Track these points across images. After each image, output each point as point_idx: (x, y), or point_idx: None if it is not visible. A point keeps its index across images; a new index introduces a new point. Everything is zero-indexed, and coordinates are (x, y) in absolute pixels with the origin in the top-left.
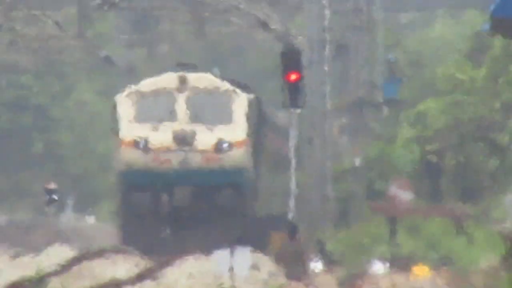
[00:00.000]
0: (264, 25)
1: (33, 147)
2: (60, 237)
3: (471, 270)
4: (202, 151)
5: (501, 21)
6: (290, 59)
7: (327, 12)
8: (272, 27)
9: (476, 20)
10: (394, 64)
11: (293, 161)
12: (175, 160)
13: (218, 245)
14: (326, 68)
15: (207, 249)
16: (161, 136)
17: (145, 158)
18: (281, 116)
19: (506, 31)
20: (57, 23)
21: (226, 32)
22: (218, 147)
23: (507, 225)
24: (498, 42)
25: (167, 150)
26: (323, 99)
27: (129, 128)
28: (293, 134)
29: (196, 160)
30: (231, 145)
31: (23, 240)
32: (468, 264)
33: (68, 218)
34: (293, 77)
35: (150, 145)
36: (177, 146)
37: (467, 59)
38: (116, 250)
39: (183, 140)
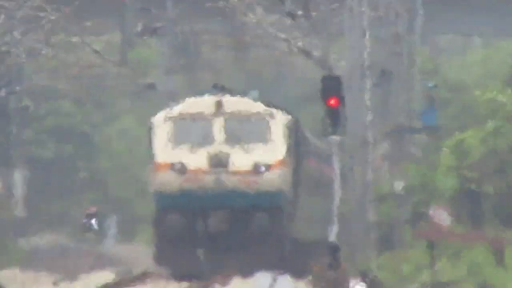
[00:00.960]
0: (305, 51)
1: (77, 174)
2: (102, 262)
3: None
4: (238, 173)
5: None
6: (331, 85)
7: (367, 38)
8: (313, 53)
9: None
10: (433, 90)
11: (336, 187)
12: (210, 182)
13: (255, 270)
14: (366, 95)
15: (243, 274)
16: (196, 159)
17: (180, 180)
18: (322, 143)
19: None
20: (96, 51)
21: (267, 58)
22: (255, 169)
23: None
24: None
25: (203, 172)
26: (364, 126)
27: (165, 151)
28: (334, 160)
29: (231, 182)
30: (268, 167)
31: (65, 266)
32: None
33: (109, 243)
34: (333, 102)
35: (185, 168)
36: (213, 168)
37: (506, 85)
38: (158, 275)
39: (219, 162)
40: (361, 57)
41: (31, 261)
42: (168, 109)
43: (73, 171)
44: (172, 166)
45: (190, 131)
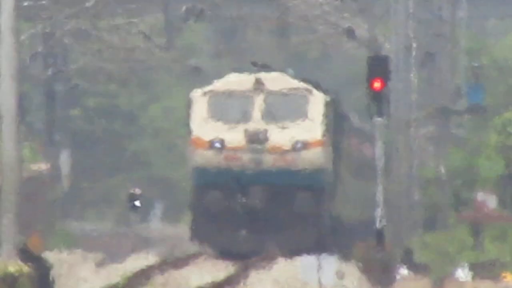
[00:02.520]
0: (350, 33)
1: (123, 153)
2: (146, 244)
3: None
4: (276, 150)
5: None
6: (376, 66)
7: (412, 19)
8: (358, 34)
9: None
10: (478, 70)
11: (380, 169)
12: (247, 158)
13: (297, 251)
14: (412, 76)
15: (286, 254)
16: (234, 136)
17: (219, 157)
18: (366, 124)
19: None
20: (144, 34)
21: (312, 40)
22: (293, 146)
23: None
24: None
25: (241, 149)
26: (409, 107)
27: (203, 127)
28: (378, 142)
29: (269, 159)
30: (306, 144)
31: (109, 248)
32: None
33: (155, 225)
34: (377, 84)
35: (223, 145)
36: (250, 145)
37: None
38: (202, 256)
39: (256, 139)
40: (406, 38)
41: (78, 243)
42: (209, 85)
43: (118, 150)
44: (210, 143)
45: (228, 107)
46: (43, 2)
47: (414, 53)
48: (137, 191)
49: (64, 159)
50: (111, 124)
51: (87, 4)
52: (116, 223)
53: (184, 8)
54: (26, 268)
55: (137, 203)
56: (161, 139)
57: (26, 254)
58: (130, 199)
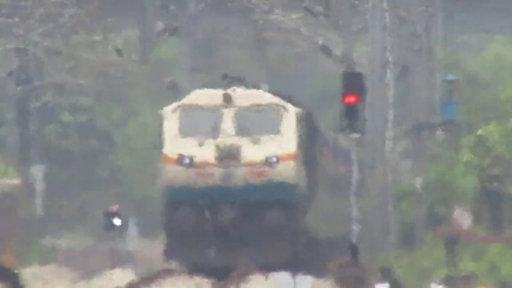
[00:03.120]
0: (325, 48)
1: (98, 170)
2: (122, 260)
3: None
4: (248, 166)
5: None
6: (351, 82)
7: (388, 35)
8: (334, 50)
9: None
10: (452, 85)
11: (355, 185)
12: (219, 175)
13: (270, 267)
14: (387, 92)
15: (258, 271)
16: (205, 152)
17: (189, 173)
18: (342, 139)
19: None
20: (117, 50)
21: (287, 55)
22: (265, 161)
23: None
24: None
25: (211, 165)
26: (384, 123)
27: (173, 143)
28: (353, 158)
29: (241, 175)
30: (279, 159)
31: (84, 264)
32: None
33: (130, 241)
34: (352, 99)
35: (194, 161)
36: (221, 161)
37: None
38: (177, 272)
39: (228, 155)
40: (382, 53)
41: (53, 259)
42: (179, 100)
43: (93, 167)
44: (180, 159)
45: (198, 122)
46: (16, 19)
47: (389, 68)
48: (114, 208)
49: (39, 175)
50: (86, 140)
51: (61, 21)
52: (91, 239)
53: (160, 24)
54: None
55: (116, 221)
56: (136, 155)
57: (1, 271)
58: (107, 216)
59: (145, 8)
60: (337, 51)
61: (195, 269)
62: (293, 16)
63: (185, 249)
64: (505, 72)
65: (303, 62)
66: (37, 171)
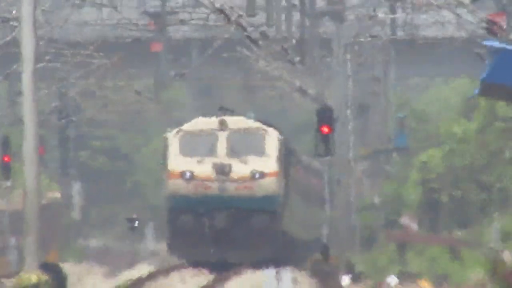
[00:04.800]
0: (302, 90)
1: (122, 185)
2: (144, 257)
3: (463, 285)
4: (238, 180)
5: (489, 86)
6: (324, 115)
7: (350, 80)
8: (309, 91)
9: (466, 85)
10: (403, 119)
11: (326, 197)
12: (214, 188)
13: (257, 262)
14: (350, 124)
15: (250, 266)
16: (203, 168)
17: (189, 186)
18: (315, 161)
19: (493, 94)
20: (137, 92)
21: (272, 96)
22: (252, 176)
23: (492, 248)
24: (484, 103)
25: (208, 180)
26: (348, 149)
27: (177, 161)
28: (325, 175)
29: (233, 188)
30: (263, 175)
31: (112, 261)
32: (461, 280)
33: (148, 242)
34: (325, 129)
35: (194, 176)
36: (217, 176)
37: (461, 116)
38: (186, 267)
39: (222, 171)
40: (345, 95)
41: (85, 257)
42: (180, 127)
43: (118, 183)
44: (182, 174)
45: (197, 144)
46: (58, 65)
47: (352, 106)
48: (135, 216)
49: (76, 190)
50: (113, 162)
51: (91, 69)
52: (118, 241)
53: (173, 72)
54: (45, 278)
55: (135, 224)
56: (152, 174)
57: (46, 266)
58: (129, 221)
59: (159, 59)
60: (311, 92)
61: (195, 264)
62: (275, 64)
63: (187, 247)
64: (443, 108)
65: (284, 101)
66: (75, 186)
